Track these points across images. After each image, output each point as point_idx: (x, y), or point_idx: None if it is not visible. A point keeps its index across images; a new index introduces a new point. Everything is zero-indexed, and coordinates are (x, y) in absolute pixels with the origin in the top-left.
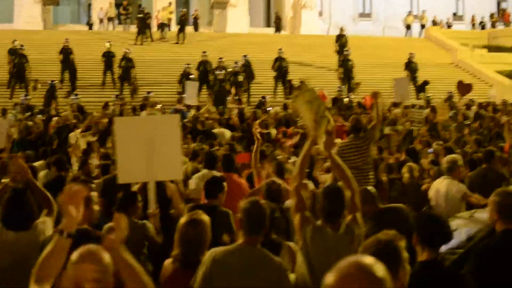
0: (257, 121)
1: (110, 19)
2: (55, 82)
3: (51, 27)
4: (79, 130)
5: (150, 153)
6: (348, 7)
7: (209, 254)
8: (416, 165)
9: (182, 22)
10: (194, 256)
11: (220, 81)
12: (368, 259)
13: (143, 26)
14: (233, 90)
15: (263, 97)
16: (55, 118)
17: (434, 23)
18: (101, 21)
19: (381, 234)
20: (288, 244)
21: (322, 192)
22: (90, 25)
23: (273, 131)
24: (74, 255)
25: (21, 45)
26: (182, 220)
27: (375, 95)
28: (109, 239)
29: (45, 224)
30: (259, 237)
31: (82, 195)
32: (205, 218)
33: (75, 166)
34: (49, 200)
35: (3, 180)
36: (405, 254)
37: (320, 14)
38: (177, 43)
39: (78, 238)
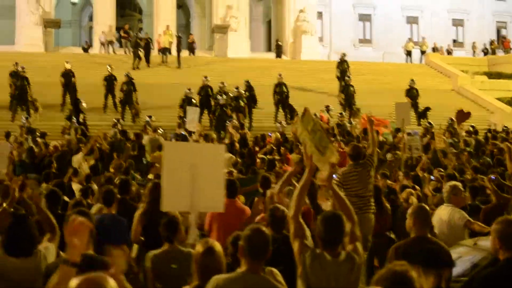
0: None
1: (110, 43)
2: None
3: (52, 49)
4: (82, 154)
5: (194, 182)
6: (349, 33)
7: (212, 282)
8: (416, 191)
9: (177, 47)
10: None
11: (222, 106)
12: None
13: (138, 50)
14: (234, 116)
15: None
16: (55, 142)
17: (435, 49)
18: (102, 44)
19: (396, 265)
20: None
21: (321, 219)
22: (85, 49)
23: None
24: (74, 282)
25: (23, 68)
26: (198, 249)
27: (370, 121)
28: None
29: (48, 250)
30: (262, 264)
31: (86, 227)
32: (218, 245)
33: (77, 190)
34: (53, 225)
35: (4, 206)
36: (419, 285)
37: (321, 39)
38: (179, 67)
39: (83, 266)
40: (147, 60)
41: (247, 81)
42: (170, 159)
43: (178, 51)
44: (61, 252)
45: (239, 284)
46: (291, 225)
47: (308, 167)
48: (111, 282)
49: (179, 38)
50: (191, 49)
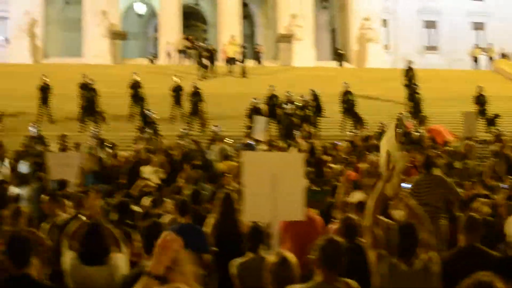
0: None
1: (181, 52)
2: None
3: (119, 61)
4: (151, 165)
5: (275, 192)
6: (414, 40)
7: None
8: (488, 200)
9: (242, 57)
10: None
11: (289, 115)
12: None
13: (203, 60)
14: (304, 125)
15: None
16: (124, 153)
17: (503, 55)
18: (168, 55)
19: (481, 275)
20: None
21: (397, 228)
22: (151, 60)
23: (337, 167)
24: None
25: (92, 80)
26: (271, 260)
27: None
28: None
29: (120, 259)
30: (337, 275)
31: (176, 246)
32: (292, 255)
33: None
34: (116, 239)
35: (79, 215)
36: None
37: (386, 47)
38: (244, 77)
39: (165, 279)
40: (212, 71)
41: (313, 90)
42: (250, 169)
43: (243, 61)
44: (145, 262)
45: None
46: (367, 235)
47: (383, 177)
48: None
49: (243, 48)
50: (258, 59)
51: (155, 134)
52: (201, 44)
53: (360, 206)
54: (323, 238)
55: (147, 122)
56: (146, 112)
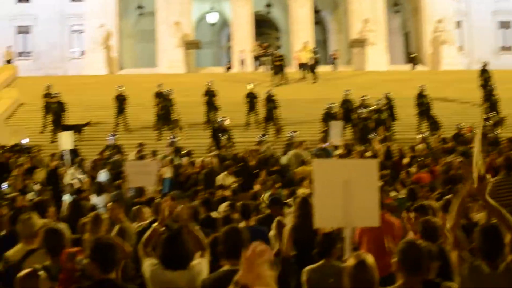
0: None
1: (256, 58)
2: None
3: (193, 70)
4: (226, 172)
5: (348, 198)
6: (489, 41)
7: None
8: None
9: (315, 62)
10: None
11: (364, 119)
12: None
13: (277, 67)
14: (379, 129)
15: None
16: (199, 160)
17: None
18: (241, 62)
19: None
20: (448, 284)
21: (479, 231)
22: (227, 68)
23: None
24: None
25: (169, 90)
26: (350, 263)
27: None
28: None
29: (201, 264)
30: (419, 278)
31: (266, 258)
32: (371, 258)
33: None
34: (202, 244)
35: (153, 225)
36: None
37: (460, 49)
38: (315, 82)
39: None
40: (283, 77)
41: (386, 94)
42: (321, 176)
43: (314, 66)
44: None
45: None
46: (449, 237)
47: (468, 180)
48: None
49: (315, 54)
50: (334, 64)
51: (228, 141)
52: (273, 51)
53: (444, 207)
54: (404, 242)
55: (221, 129)
56: (219, 119)
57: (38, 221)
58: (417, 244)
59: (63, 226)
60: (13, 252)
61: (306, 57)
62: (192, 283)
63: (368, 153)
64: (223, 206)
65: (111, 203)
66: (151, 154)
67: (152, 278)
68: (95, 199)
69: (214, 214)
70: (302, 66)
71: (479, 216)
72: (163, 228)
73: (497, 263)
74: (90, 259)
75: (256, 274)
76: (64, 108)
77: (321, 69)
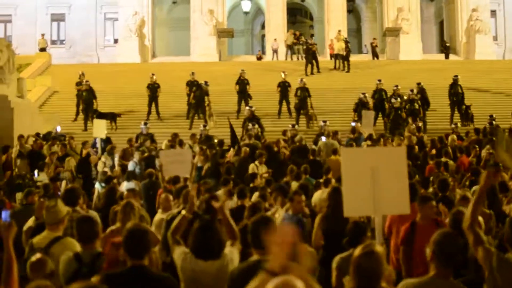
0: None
1: (289, 47)
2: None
3: (226, 58)
4: (257, 161)
5: (376, 186)
6: None
7: (401, 285)
8: None
9: (346, 52)
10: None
11: (396, 109)
12: None
13: (310, 57)
14: (410, 119)
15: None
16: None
17: None
18: (274, 51)
19: None
20: None
21: (508, 222)
22: (258, 58)
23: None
24: (270, 286)
25: (206, 82)
26: (357, 251)
27: None
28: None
29: (233, 253)
30: (452, 270)
31: (291, 239)
32: (379, 249)
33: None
34: (234, 232)
35: (182, 212)
36: None
37: (495, 38)
38: (347, 71)
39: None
40: (316, 66)
41: (419, 84)
42: (349, 165)
43: (347, 56)
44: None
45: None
46: (469, 235)
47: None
48: (300, 284)
49: (346, 43)
50: (374, 53)
51: (260, 129)
52: (306, 39)
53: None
54: (439, 233)
55: (252, 118)
56: (248, 108)
57: (63, 208)
58: (453, 236)
59: (94, 214)
60: (39, 239)
61: (340, 46)
62: (223, 273)
63: (404, 142)
64: (255, 196)
65: (126, 192)
66: (177, 143)
67: (183, 267)
68: (125, 187)
69: (247, 203)
70: (334, 55)
71: (510, 208)
72: (191, 216)
73: None
74: (123, 246)
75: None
76: (95, 95)
77: (355, 58)
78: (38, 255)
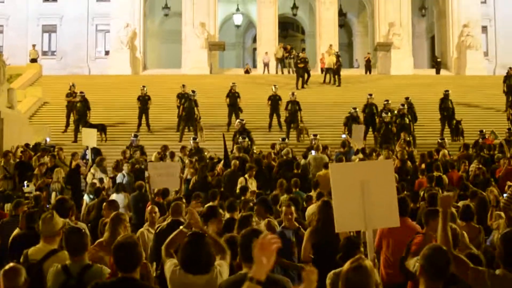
0: None
1: (279, 60)
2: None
3: (217, 71)
4: (247, 175)
5: (366, 200)
6: None
7: None
8: None
9: (337, 66)
10: None
11: (386, 124)
12: None
13: (301, 71)
14: (402, 135)
15: None
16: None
17: None
18: (265, 65)
19: None
20: None
21: (500, 238)
22: (247, 71)
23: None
24: None
25: (193, 91)
26: (346, 266)
27: None
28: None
29: (222, 267)
30: (441, 283)
31: (275, 246)
32: (368, 263)
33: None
34: (221, 246)
35: (181, 227)
36: None
37: (486, 54)
38: (338, 86)
39: (267, 285)
40: (305, 81)
41: (407, 98)
42: (338, 180)
43: (338, 70)
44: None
45: None
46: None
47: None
48: None
49: (338, 57)
50: (368, 67)
51: (250, 142)
52: (297, 53)
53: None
54: (428, 247)
55: (242, 131)
56: (239, 121)
57: (60, 220)
58: (442, 250)
59: (83, 226)
60: (34, 251)
61: (329, 60)
62: (212, 286)
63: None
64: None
65: (105, 204)
66: (169, 156)
67: (172, 279)
68: (115, 199)
69: (236, 216)
70: (325, 69)
71: (497, 223)
72: (190, 231)
73: None
74: (113, 259)
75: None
76: (89, 106)
77: (347, 72)
78: (11, 264)
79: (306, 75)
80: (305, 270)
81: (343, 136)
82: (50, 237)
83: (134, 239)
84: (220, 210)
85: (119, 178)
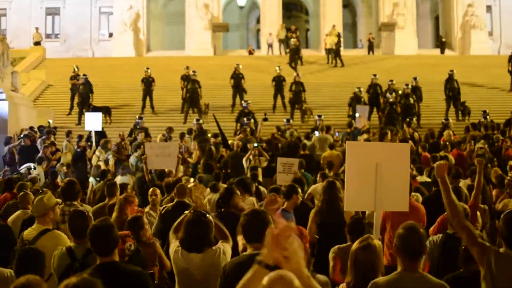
0: None
1: (281, 41)
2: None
3: (221, 53)
4: (249, 155)
5: (379, 182)
6: None
7: (370, 285)
8: None
9: (337, 46)
10: (368, 281)
11: (391, 104)
12: None
13: (294, 53)
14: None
15: None
16: (235, 142)
17: None
18: (269, 46)
19: None
20: None
21: (502, 218)
22: (250, 52)
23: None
24: (266, 280)
25: (194, 71)
26: (354, 245)
27: None
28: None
29: (225, 247)
30: (417, 262)
31: (289, 233)
32: (377, 242)
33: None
34: (224, 232)
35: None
36: None
37: (490, 33)
38: (342, 66)
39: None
40: (296, 63)
41: (415, 78)
42: (354, 159)
43: (338, 51)
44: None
45: (399, 284)
46: (461, 234)
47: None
48: (295, 279)
49: (338, 37)
50: (371, 48)
51: (255, 124)
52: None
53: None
54: (402, 226)
55: (246, 112)
56: (244, 102)
57: (50, 201)
58: (415, 228)
59: (88, 209)
60: (28, 232)
61: (330, 41)
62: (214, 265)
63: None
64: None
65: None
66: (179, 137)
67: (175, 259)
68: (119, 181)
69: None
70: (327, 50)
71: (504, 203)
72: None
73: None
74: (90, 243)
75: (283, 253)
76: (92, 89)
77: (350, 53)
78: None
79: (298, 56)
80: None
81: (357, 115)
82: (41, 217)
83: (110, 222)
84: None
85: (132, 161)
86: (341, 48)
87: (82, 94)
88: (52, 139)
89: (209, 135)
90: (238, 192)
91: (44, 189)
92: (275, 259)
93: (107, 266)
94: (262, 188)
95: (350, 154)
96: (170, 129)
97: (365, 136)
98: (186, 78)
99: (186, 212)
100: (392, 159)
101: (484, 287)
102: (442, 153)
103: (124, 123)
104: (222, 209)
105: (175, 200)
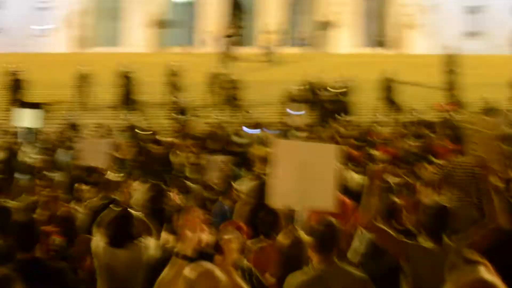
0: None
1: (217, 38)
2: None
3: (158, 49)
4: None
5: (303, 179)
6: (456, 26)
7: (289, 278)
8: None
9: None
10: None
11: (325, 102)
12: None
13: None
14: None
15: None
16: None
17: None
18: (206, 43)
19: None
20: None
21: (424, 210)
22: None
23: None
24: (191, 273)
25: (131, 69)
26: (285, 241)
27: None
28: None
29: (148, 241)
30: (332, 253)
31: (199, 219)
32: (305, 237)
33: None
34: (147, 225)
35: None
36: None
37: (427, 32)
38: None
39: (194, 259)
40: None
41: (346, 77)
42: (279, 156)
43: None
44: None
45: (313, 277)
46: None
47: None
48: (220, 273)
49: (273, 34)
50: (304, 45)
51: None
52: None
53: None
54: (318, 222)
55: (181, 109)
56: (178, 100)
57: None
58: (331, 224)
59: (13, 204)
60: None
61: (266, 38)
62: (136, 260)
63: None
64: None
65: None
66: (106, 133)
67: (96, 253)
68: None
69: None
70: (262, 47)
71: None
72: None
73: (441, 240)
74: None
75: (197, 240)
76: (21, 85)
77: (286, 50)
78: None
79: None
80: (224, 239)
81: (291, 111)
82: None
83: (31, 217)
84: None
85: (59, 156)
86: (277, 46)
87: (14, 90)
88: None
89: (140, 131)
90: (168, 188)
91: None
92: (192, 250)
93: (27, 261)
94: (190, 184)
95: (276, 151)
96: (102, 126)
97: (298, 133)
98: (121, 74)
99: (111, 206)
100: (318, 158)
101: (403, 278)
102: (373, 151)
103: (57, 120)
104: (153, 205)
105: (101, 195)
